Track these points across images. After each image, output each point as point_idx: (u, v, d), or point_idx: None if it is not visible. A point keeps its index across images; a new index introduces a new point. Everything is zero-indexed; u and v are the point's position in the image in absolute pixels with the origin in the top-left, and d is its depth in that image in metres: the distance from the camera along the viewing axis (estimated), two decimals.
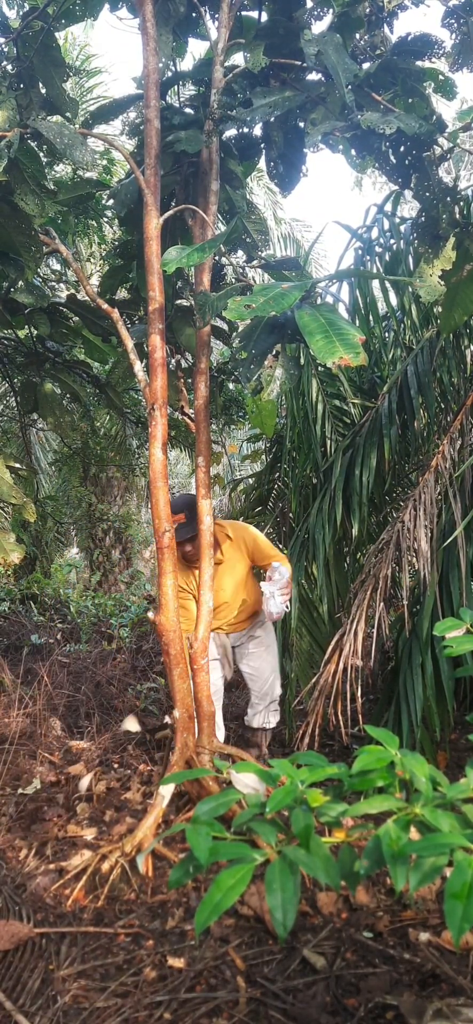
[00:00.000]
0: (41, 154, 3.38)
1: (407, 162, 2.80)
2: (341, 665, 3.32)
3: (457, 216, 2.74)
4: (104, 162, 5.90)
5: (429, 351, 3.84)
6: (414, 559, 3.50)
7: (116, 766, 3.80)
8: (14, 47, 3.28)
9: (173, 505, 3.26)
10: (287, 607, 3.41)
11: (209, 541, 3.24)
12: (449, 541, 3.25)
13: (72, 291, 5.14)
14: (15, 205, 3.07)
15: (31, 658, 5.82)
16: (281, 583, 3.32)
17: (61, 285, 6.29)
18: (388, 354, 4.23)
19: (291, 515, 4.39)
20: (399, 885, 0.99)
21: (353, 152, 2.91)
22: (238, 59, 3.36)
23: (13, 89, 3.27)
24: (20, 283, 3.86)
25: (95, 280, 8.51)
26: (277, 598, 3.33)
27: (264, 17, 3.24)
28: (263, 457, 5.13)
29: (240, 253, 3.90)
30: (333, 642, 3.45)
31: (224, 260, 3.71)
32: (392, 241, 4.02)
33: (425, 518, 3.27)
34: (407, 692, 3.32)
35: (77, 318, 4.51)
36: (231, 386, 5.76)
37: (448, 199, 2.68)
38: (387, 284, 4.15)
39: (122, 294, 5.02)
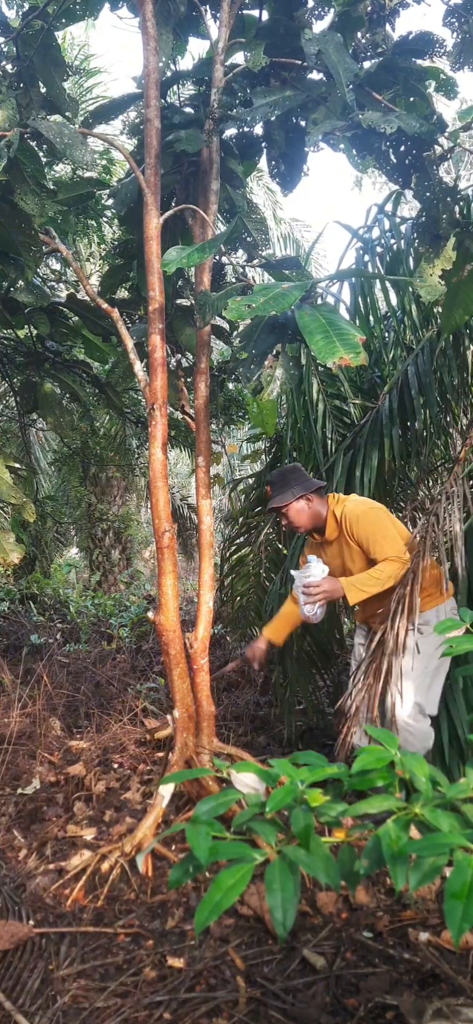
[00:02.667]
0: (41, 154, 3.38)
1: (407, 162, 2.79)
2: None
3: (457, 216, 2.74)
4: (104, 162, 5.90)
5: (429, 351, 3.84)
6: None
7: (116, 766, 3.79)
8: (14, 46, 3.28)
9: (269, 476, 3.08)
10: (314, 613, 2.97)
11: (209, 540, 3.24)
12: None
13: (72, 291, 5.13)
14: (15, 205, 3.07)
15: (31, 658, 5.82)
16: (307, 578, 2.93)
17: (61, 285, 6.29)
18: (388, 354, 4.23)
19: None
20: (399, 885, 0.98)
21: (354, 151, 2.91)
22: (239, 58, 3.35)
23: (13, 89, 3.27)
24: (20, 283, 3.86)
25: (95, 280, 8.51)
26: (299, 595, 2.98)
27: (265, 16, 3.24)
28: (263, 457, 5.13)
29: (240, 253, 3.90)
30: (374, 643, 3.00)
31: (224, 260, 3.71)
32: (392, 241, 4.02)
33: (458, 510, 3.10)
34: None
35: (77, 318, 4.51)
36: (231, 386, 5.76)
37: (448, 199, 2.68)
38: (387, 284, 4.14)
39: (122, 294, 5.02)
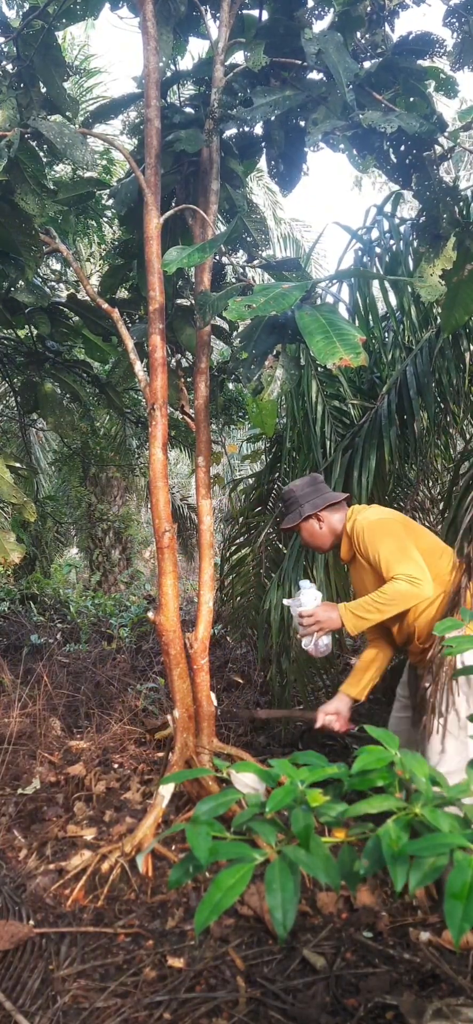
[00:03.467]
0: (41, 154, 3.38)
1: (407, 161, 2.80)
2: None
3: (457, 215, 2.74)
4: (104, 162, 5.90)
5: (428, 352, 3.84)
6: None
7: (116, 766, 3.79)
8: (14, 46, 3.28)
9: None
10: (314, 645, 2.63)
11: (209, 540, 3.24)
12: None
13: (72, 291, 5.13)
14: (15, 205, 3.07)
15: (31, 658, 5.82)
16: (299, 607, 2.61)
17: (61, 285, 6.28)
18: (388, 355, 4.23)
19: None
20: (399, 885, 0.98)
21: (354, 151, 2.91)
22: (239, 58, 3.35)
23: (13, 89, 3.27)
24: (20, 283, 3.86)
25: (95, 280, 8.50)
26: (296, 625, 2.68)
27: (265, 16, 3.24)
28: (263, 457, 5.12)
29: (240, 253, 3.90)
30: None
31: (224, 260, 3.71)
32: (392, 242, 4.02)
33: None
34: None
35: (77, 318, 4.51)
36: (231, 386, 5.75)
37: (448, 199, 2.68)
38: (387, 284, 4.14)
39: (122, 294, 5.02)
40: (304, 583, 2.69)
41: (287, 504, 2.78)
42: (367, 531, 2.54)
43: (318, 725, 2.74)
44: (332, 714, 2.73)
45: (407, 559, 2.43)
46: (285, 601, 2.82)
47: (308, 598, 2.62)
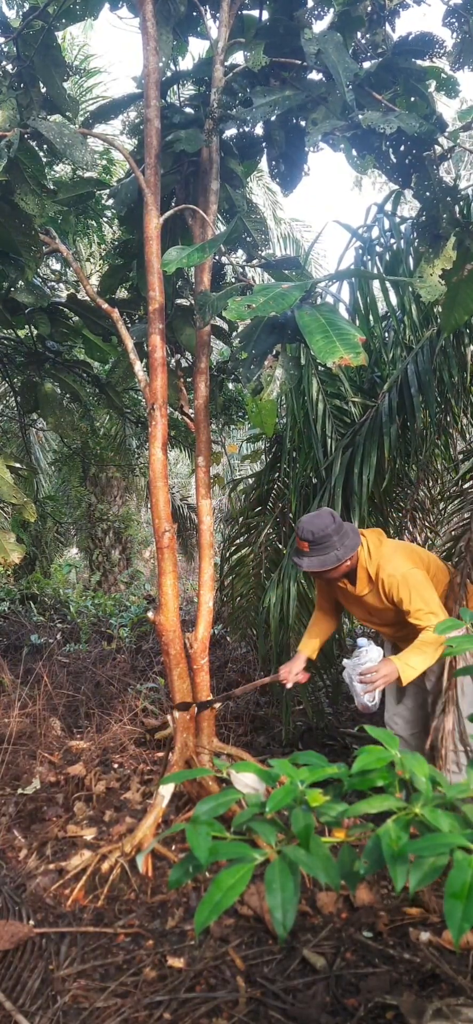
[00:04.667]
0: (41, 154, 3.38)
1: (407, 161, 2.79)
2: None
3: (457, 215, 2.74)
4: (104, 162, 5.89)
5: (429, 350, 3.83)
6: None
7: (116, 766, 3.79)
8: (14, 47, 3.28)
9: (302, 528, 2.73)
10: (372, 702, 2.73)
11: (209, 540, 3.24)
12: None
13: (72, 291, 5.13)
14: (15, 205, 3.07)
15: (31, 658, 5.82)
16: (362, 665, 2.67)
17: (61, 285, 6.28)
18: (388, 354, 4.22)
19: (291, 515, 4.39)
20: (399, 885, 0.98)
21: (354, 151, 2.91)
22: (238, 58, 3.35)
23: (13, 89, 3.27)
24: (20, 283, 3.86)
25: (95, 280, 8.50)
26: (356, 687, 2.69)
27: (265, 16, 3.24)
28: (263, 457, 5.12)
29: (240, 253, 3.90)
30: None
31: (224, 260, 3.70)
32: (392, 241, 4.02)
33: None
34: None
35: (77, 318, 4.51)
36: (231, 386, 5.75)
37: (448, 198, 2.68)
38: (387, 284, 4.14)
39: (122, 294, 5.02)
40: (362, 641, 2.73)
41: (319, 546, 2.72)
42: (403, 585, 2.74)
43: (289, 685, 3.08)
44: (296, 672, 3.08)
45: (434, 610, 2.70)
46: (346, 662, 2.78)
47: (374, 654, 2.68)
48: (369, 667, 2.66)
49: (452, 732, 2.80)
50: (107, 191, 4.32)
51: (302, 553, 2.76)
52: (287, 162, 3.42)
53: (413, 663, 2.64)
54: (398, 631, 2.94)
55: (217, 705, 3.29)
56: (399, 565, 2.79)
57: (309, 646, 3.17)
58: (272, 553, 4.60)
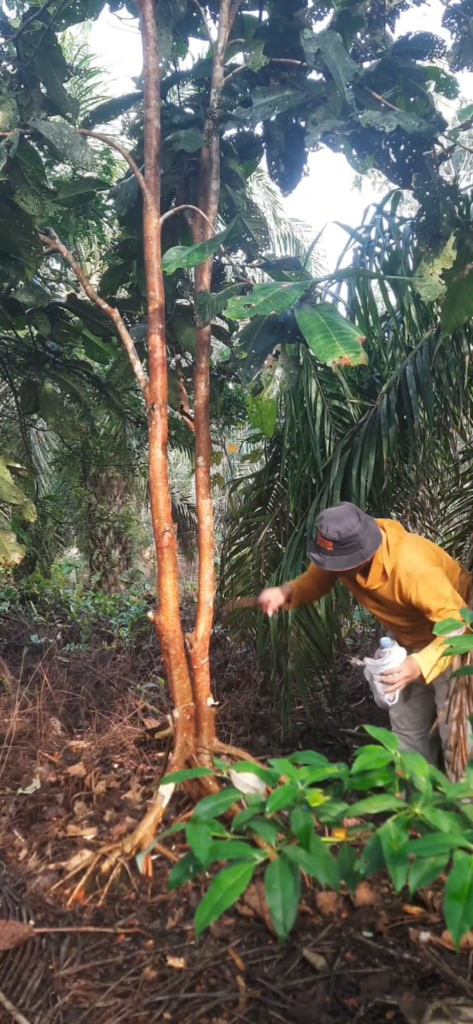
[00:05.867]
0: (41, 154, 3.38)
1: (407, 161, 2.79)
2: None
3: (457, 215, 2.74)
4: (104, 162, 5.90)
5: (428, 351, 3.83)
6: None
7: (116, 766, 3.80)
8: (15, 47, 3.28)
9: (326, 526, 2.66)
10: (393, 701, 2.70)
11: (209, 540, 3.23)
12: None
13: (72, 291, 5.14)
14: (15, 205, 3.07)
15: (31, 658, 5.82)
16: (385, 665, 2.63)
17: (61, 285, 6.28)
18: (387, 354, 4.23)
19: (290, 515, 4.39)
20: (399, 885, 0.98)
21: (353, 151, 2.90)
22: (238, 59, 3.35)
23: (13, 89, 3.27)
24: (20, 283, 3.86)
25: (95, 280, 8.50)
26: (376, 685, 2.66)
27: (264, 16, 3.24)
28: (263, 457, 5.12)
29: (240, 253, 3.90)
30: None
31: (224, 260, 3.70)
32: (391, 241, 4.02)
33: None
34: None
35: (77, 318, 4.51)
36: (231, 386, 5.76)
37: (448, 198, 2.68)
38: (386, 284, 4.14)
39: (122, 294, 5.02)
40: (386, 641, 2.67)
41: (346, 546, 2.66)
42: (421, 584, 2.68)
43: (270, 613, 3.10)
44: (268, 598, 3.08)
45: (455, 607, 2.64)
46: (367, 660, 2.72)
47: (398, 656, 2.63)
48: (392, 668, 2.61)
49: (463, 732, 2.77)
50: (107, 191, 4.32)
51: (325, 552, 2.68)
52: (286, 162, 3.42)
53: (436, 662, 2.60)
54: (403, 622, 2.90)
55: (216, 705, 3.29)
56: (418, 564, 2.74)
57: (295, 588, 3.14)
58: (272, 553, 4.60)
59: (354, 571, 2.79)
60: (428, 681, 2.64)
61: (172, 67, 3.58)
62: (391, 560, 2.76)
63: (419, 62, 2.93)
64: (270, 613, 3.11)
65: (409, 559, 2.75)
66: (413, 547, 2.84)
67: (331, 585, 3.28)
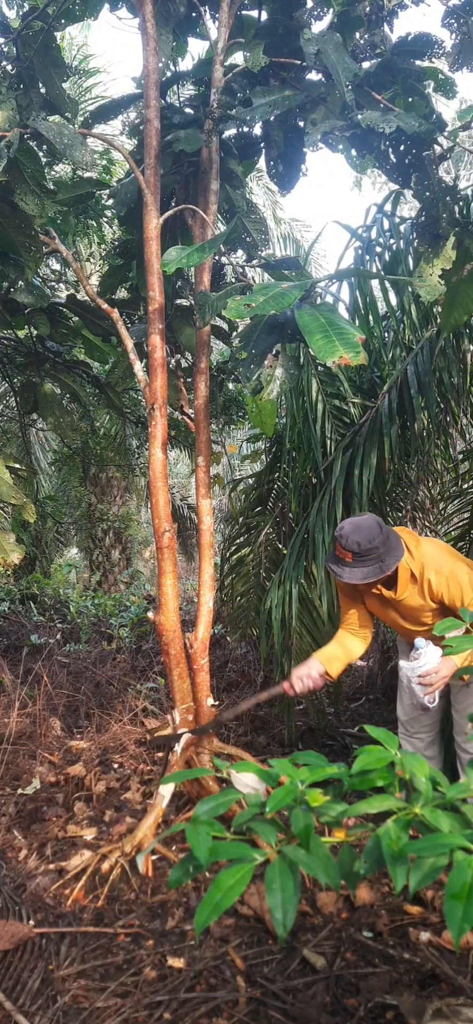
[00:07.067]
0: (41, 154, 3.38)
1: (407, 161, 2.79)
2: None
3: (457, 215, 2.74)
4: (104, 162, 5.90)
5: (429, 351, 3.83)
6: None
7: (116, 766, 3.79)
8: (14, 47, 3.28)
9: (346, 537, 2.59)
10: (433, 703, 2.64)
11: (209, 540, 3.23)
12: None
13: (72, 291, 5.13)
14: (15, 205, 3.07)
15: (31, 658, 5.82)
16: (421, 667, 2.58)
17: (61, 285, 6.28)
18: (388, 354, 4.22)
19: (291, 515, 4.39)
20: (399, 885, 0.98)
21: (353, 151, 2.91)
22: (238, 59, 3.35)
23: (13, 89, 3.27)
24: (20, 283, 3.86)
25: (95, 280, 8.50)
26: (415, 688, 2.61)
27: (264, 16, 3.24)
28: (263, 457, 5.12)
29: (240, 253, 3.90)
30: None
31: (224, 260, 3.70)
32: (392, 241, 4.02)
33: None
34: None
35: (77, 318, 4.51)
36: (231, 386, 5.75)
37: (448, 198, 2.68)
38: (387, 284, 4.14)
39: (122, 294, 5.02)
40: (420, 641, 2.61)
41: (365, 557, 2.60)
42: (451, 582, 2.66)
43: (295, 693, 2.84)
44: (305, 676, 2.83)
45: None
46: (403, 663, 2.68)
47: (433, 655, 2.58)
48: (429, 668, 2.57)
49: None
50: (107, 191, 4.32)
51: (343, 562, 2.62)
52: (285, 162, 3.42)
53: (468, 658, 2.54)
54: (424, 629, 2.82)
55: (216, 705, 3.29)
56: (444, 561, 2.72)
57: (327, 656, 2.88)
58: (272, 553, 4.60)
59: (375, 584, 2.71)
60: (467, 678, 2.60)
61: (172, 67, 3.58)
62: (417, 563, 2.71)
63: (418, 62, 2.93)
64: (297, 693, 2.88)
65: (434, 558, 2.72)
66: (434, 547, 2.82)
67: (369, 624, 3.00)
